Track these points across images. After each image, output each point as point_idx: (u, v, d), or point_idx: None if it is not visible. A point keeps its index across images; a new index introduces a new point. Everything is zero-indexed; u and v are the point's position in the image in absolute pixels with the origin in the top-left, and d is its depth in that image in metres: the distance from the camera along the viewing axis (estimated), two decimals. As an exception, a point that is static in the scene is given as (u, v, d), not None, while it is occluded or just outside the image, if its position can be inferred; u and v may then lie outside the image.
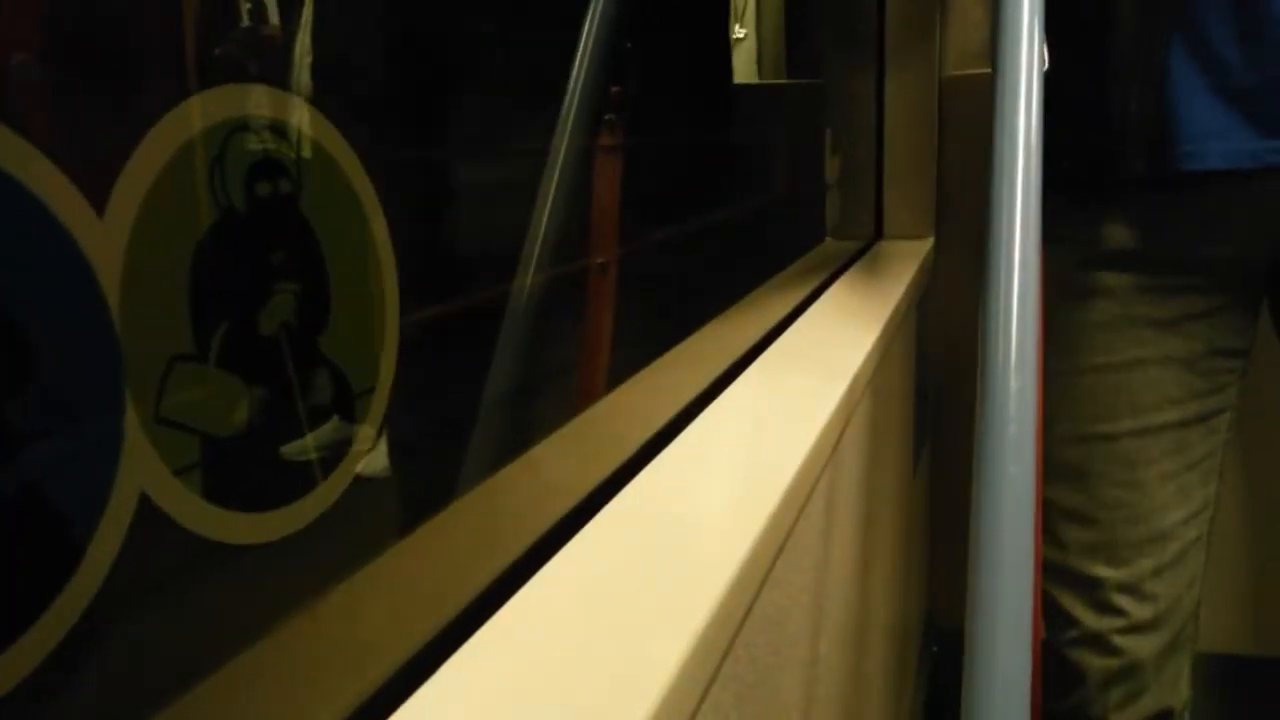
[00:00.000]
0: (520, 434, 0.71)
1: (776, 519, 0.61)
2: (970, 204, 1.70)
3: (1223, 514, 1.55)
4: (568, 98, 0.92)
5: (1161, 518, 1.12)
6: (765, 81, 2.19)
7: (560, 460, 0.67)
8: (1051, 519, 1.15)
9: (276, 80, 0.39)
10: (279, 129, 0.38)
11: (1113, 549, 1.13)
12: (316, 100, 0.40)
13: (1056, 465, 1.14)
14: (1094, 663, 1.15)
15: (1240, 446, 1.66)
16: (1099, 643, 1.14)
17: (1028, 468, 0.70)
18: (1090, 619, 1.14)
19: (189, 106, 0.34)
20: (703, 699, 0.48)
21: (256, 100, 0.37)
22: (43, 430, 0.28)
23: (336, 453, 0.42)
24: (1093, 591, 1.14)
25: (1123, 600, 1.13)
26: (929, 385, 1.69)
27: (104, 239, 0.30)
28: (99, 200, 0.30)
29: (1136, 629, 1.13)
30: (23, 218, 0.28)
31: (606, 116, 1.06)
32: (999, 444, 0.70)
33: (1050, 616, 1.16)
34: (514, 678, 0.42)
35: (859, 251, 1.57)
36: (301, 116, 0.39)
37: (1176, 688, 1.17)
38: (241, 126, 0.36)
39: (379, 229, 0.43)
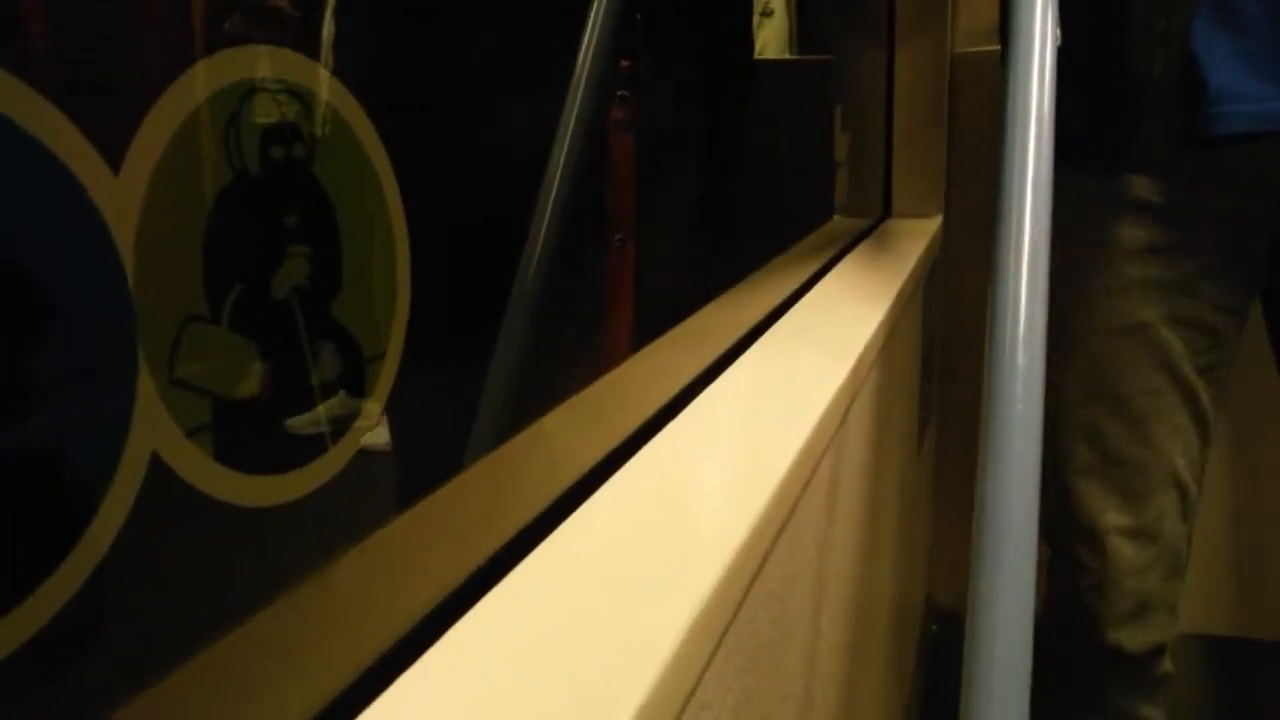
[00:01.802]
0: (527, 407, 0.71)
1: (781, 493, 0.61)
2: (978, 183, 1.70)
3: (1214, 500, 1.57)
4: (577, 72, 0.91)
5: (1169, 465, 1.16)
6: (781, 58, 2.17)
7: (566, 434, 0.68)
8: (1065, 475, 1.18)
9: (293, 45, 0.39)
10: (295, 93, 0.38)
11: (1123, 497, 1.17)
12: (332, 65, 0.40)
13: (1069, 422, 1.17)
14: (1105, 608, 1.18)
15: (1233, 434, 1.67)
16: (1108, 588, 1.18)
17: (1035, 444, 0.70)
18: (1098, 565, 1.18)
19: (206, 67, 0.34)
20: (705, 670, 0.48)
21: (273, 64, 0.37)
22: (57, 387, 0.28)
23: (347, 418, 0.42)
24: (1102, 539, 1.18)
25: (1128, 545, 1.17)
26: (934, 364, 1.69)
27: (119, 197, 0.30)
28: (115, 158, 0.30)
29: (1140, 571, 1.17)
30: (39, 175, 0.28)
31: (619, 92, 1.05)
32: (1006, 421, 0.70)
33: (1058, 568, 1.20)
34: (517, 648, 0.43)
35: (867, 229, 1.57)
36: (317, 81, 0.39)
37: (1173, 621, 1.22)
38: (257, 89, 0.36)
39: (392, 196, 0.43)
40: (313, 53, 0.40)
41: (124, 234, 0.30)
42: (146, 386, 0.31)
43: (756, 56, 1.87)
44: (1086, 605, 1.20)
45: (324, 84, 0.40)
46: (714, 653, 0.50)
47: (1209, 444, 1.20)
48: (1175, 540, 1.19)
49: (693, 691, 0.46)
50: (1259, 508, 1.70)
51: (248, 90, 0.36)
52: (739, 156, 1.49)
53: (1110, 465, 1.17)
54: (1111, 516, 1.17)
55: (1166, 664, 1.22)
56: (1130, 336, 1.15)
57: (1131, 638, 1.19)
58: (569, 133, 0.89)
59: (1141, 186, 1.12)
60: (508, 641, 0.43)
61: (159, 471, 0.32)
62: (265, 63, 0.37)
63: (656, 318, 0.93)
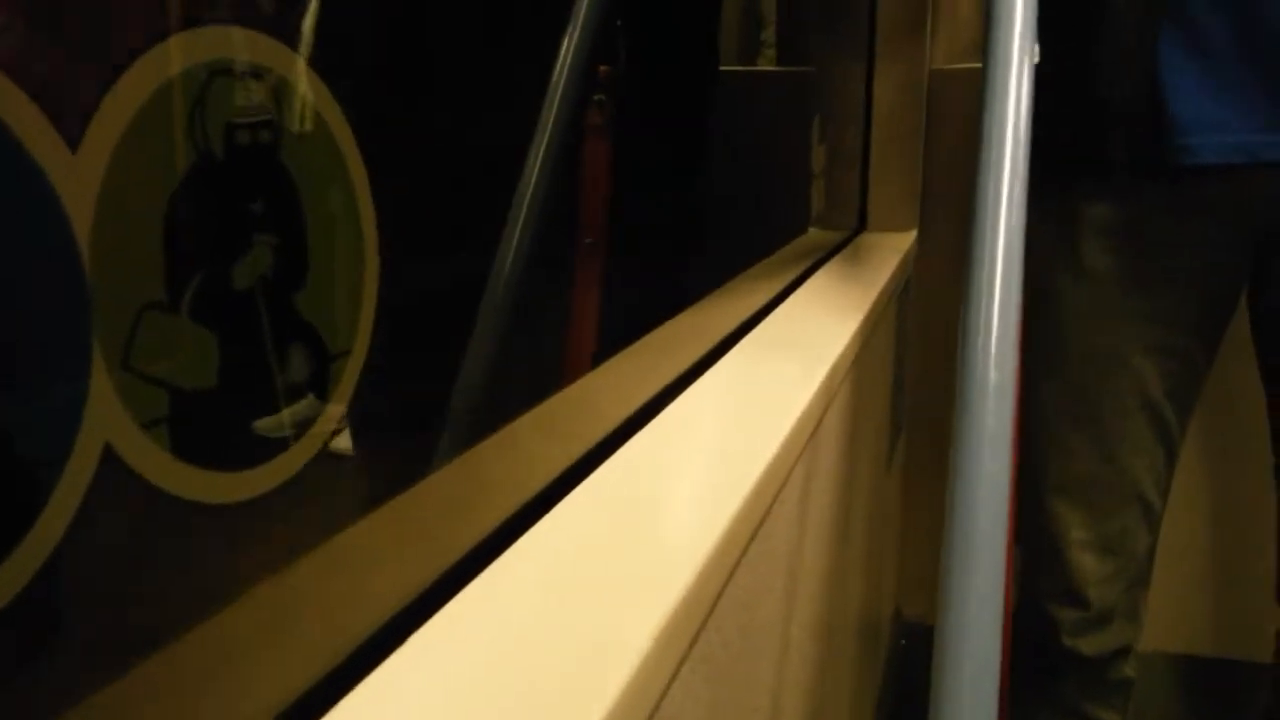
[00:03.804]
0: (496, 411, 0.71)
1: (751, 503, 0.60)
2: (953, 199, 1.71)
3: (1196, 520, 1.58)
4: (555, 77, 0.91)
5: (1134, 482, 1.19)
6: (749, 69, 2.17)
7: (536, 439, 0.67)
8: (1034, 489, 1.20)
9: (265, 29, 0.38)
10: (264, 78, 0.37)
11: (1088, 512, 1.19)
12: (307, 53, 0.39)
13: (1040, 438, 1.20)
14: (1067, 616, 1.21)
15: (1215, 454, 1.68)
16: (1070, 597, 1.21)
17: (1004, 461, 0.70)
18: (1062, 576, 1.21)
19: (172, 45, 0.33)
20: (672, 679, 0.48)
21: (243, 46, 0.36)
22: (5, 374, 0.27)
23: (309, 416, 0.41)
24: (1065, 551, 1.20)
25: (1089, 559, 1.19)
26: (905, 378, 1.69)
27: (77, 175, 0.29)
28: (73, 136, 0.29)
29: (1102, 582, 1.20)
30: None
31: (595, 96, 1.05)
32: (977, 437, 0.70)
33: (1026, 577, 1.23)
34: (483, 654, 0.42)
35: (842, 242, 1.57)
36: (288, 68, 0.38)
37: (1135, 627, 1.25)
38: (225, 71, 0.35)
39: (362, 190, 0.42)
40: (286, 39, 0.39)
41: (80, 213, 0.29)
42: (101, 375, 0.30)
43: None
44: (1048, 612, 1.22)
45: (296, 71, 0.39)
46: (681, 662, 0.49)
47: (1176, 459, 1.22)
48: (1138, 554, 1.21)
49: (659, 701, 0.46)
50: (1241, 528, 1.72)
51: (214, 72, 0.35)
52: (713, 166, 1.49)
53: (1076, 481, 1.19)
54: (1076, 531, 1.20)
55: (1127, 669, 1.25)
56: (1104, 362, 1.17)
57: (1090, 644, 1.22)
58: (546, 136, 0.88)
59: (1115, 214, 1.12)
60: (472, 647, 0.42)
61: (112, 464, 0.31)
62: (234, 45, 0.36)
63: (625, 323, 0.92)
